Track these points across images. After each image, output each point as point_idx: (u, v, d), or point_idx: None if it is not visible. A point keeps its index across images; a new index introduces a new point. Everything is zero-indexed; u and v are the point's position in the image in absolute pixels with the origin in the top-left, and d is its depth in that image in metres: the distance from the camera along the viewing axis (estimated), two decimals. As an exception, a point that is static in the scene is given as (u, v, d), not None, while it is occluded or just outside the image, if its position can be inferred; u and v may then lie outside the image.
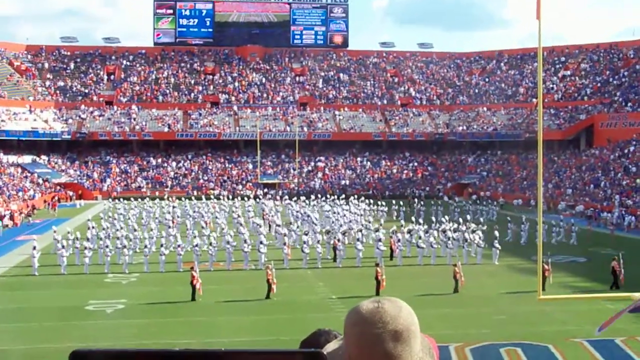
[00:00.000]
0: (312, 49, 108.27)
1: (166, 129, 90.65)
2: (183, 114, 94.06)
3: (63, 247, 37.78)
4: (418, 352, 2.02)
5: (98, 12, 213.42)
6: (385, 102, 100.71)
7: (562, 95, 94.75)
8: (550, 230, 48.52)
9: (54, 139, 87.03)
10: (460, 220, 49.97)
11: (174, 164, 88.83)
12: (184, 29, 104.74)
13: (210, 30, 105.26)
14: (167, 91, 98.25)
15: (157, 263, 36.97)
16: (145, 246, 39.02)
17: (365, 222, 51.90)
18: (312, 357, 1.79)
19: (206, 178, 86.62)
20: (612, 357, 22.28)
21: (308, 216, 53.68)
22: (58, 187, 79.83)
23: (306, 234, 42.10)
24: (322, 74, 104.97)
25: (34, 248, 37.02)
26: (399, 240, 41.16)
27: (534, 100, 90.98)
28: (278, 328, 25.46)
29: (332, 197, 69.23)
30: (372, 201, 65.76)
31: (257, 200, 71.08)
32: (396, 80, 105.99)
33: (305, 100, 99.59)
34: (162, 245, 38.41)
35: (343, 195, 70.58)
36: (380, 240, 39.74)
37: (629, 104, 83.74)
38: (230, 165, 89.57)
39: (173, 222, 52.36)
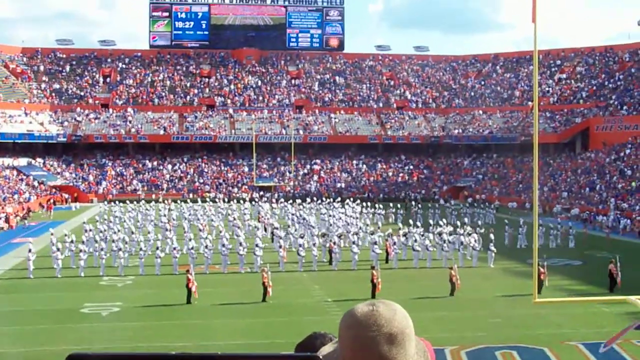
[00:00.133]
0: (308, 52, 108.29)
1: (162, 132, 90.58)
2: (179, 116, 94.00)
3: (58, 249, 37.71)
4: (413, 355, 2.03)
5: (94, 14, 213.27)
6: (381, 105, 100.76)
7: (557, 98, 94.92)
8: (548, 233, 48.58)
9: (50, 141, 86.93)
10: (458, 223, 49.97)
11: (169, 166, 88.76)
12: (180, 32, 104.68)
13: (206, 33, 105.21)
14: (163, 94, 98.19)
15: (152, 266, 36.93)
16: (141, 249, 38.96)
17: (364, 224, 51.88)
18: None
19: (202, 181, 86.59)
20: (608, 360, 22.29)
21: (304, 219, 53.68)
22: (54, 190, 79.69)
23: (302, 237, 42.09)
24: (318, 76, 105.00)
25: (30, 251, 36.97)
26: (394, 243, 41.17)
27: (530, 103, 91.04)
28: (274, 331, 25.44)
29: (328, 200, 69.19)
30: (369, 204, 65.81)
31: (253, 203, 71.07)
32: (392, 83, 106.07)
33: (301, 103, 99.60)
34: (157, 248, 38.35)
35: (339, 198, 70.55)
36: (376, 243, 39.77)
37: (625, 108, 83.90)
38: (226, 168, 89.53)
39: (169, 225, 52.28)
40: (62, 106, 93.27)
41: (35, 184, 78.77)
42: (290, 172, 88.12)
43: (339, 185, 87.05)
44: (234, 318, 27.80)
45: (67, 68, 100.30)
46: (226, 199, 72.92)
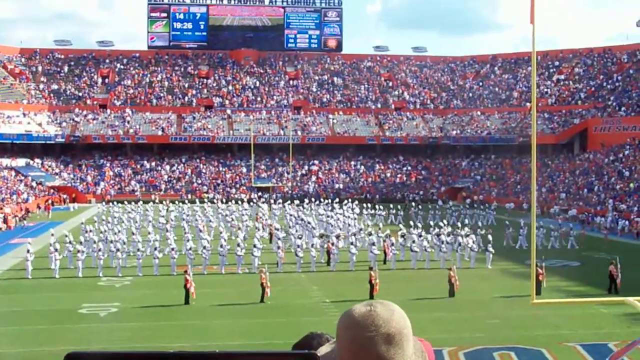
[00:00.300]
0: (306, 53, 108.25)
1: (160, 133, 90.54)
2: (177, 117, 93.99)
3: (56, 250, 37.71)
4: (411, 355, 2.03)
5: (92, 15, 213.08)
6: (379, 106, 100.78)
7: (556, 99, 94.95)
8: (549, 234, 48.61)
9: (48, 142, 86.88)
10: (459, 224, 49.91)
11: (167, 167, 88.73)
12: (178, 33, 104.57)
13: (204, 33, 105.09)
14: (161, 94, 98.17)
15: (150, 266, 36.91)
16: (138, 249, 38.95)
17: (365, 225, 51.88)
18: (306, 358, 1.80)
19: (200, 182, 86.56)
20: (606, 361, 22.30)
21: (302, 220, 53.66)
22: (52, 191, 79.67)
23: (300, 238, 42.10)
24: (316, 77, 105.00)
25: (28, 251, 36.95)
26: (392, 244, 41.19)
27: (528, 104, 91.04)
28: (272, 332, 25.46)
29: (326, 201, 69.12)
30: (369, 205, 65.86)
31: (251, 203, 71.02)
32: (390, 84, 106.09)
33: (299, 104, 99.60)
34: (156, 249, 38.34)
35: (337, 199, 70.47)
36: (374, 244, 39.76)
37: (623, 109, 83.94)
38: (224, 169, 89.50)
39: (168, 226, 52.18)
40: (60, 107, 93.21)
41: (34, 184, 78.75)
42: (288, 173, 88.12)
43: (337, 186, 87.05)
44: (232, 319, 27.81)
45: (65, 69, 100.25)
46: (224, 200, 72.90)
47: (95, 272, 36.92)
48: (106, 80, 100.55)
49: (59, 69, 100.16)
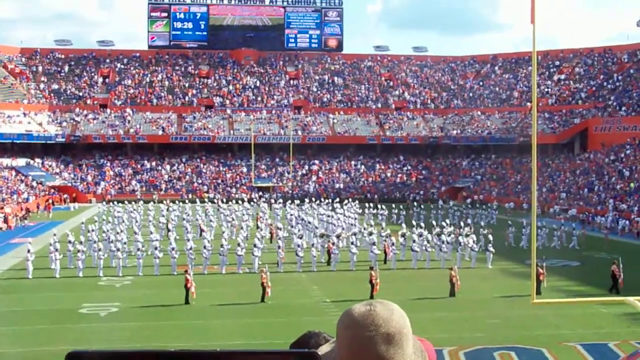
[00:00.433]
0: (307, 53, 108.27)
1: (160, 132, 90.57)
2: (177, 117, 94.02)
3: (56, 249, 37.70)
4: (410, 354, 2.02)
5: (92, 15, 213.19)
6: (379, 105, 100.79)
7: (556, 99, 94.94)
8: (551, 234, 48.60)
9: (48, 141, 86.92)
10: (462, 224, 49.86)
11: (168, 167, 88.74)
12: (179, 32, 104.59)
13: (205, 33, 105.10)
14: (162, 94, 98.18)
15: (151, 266, 36.90)
16: (138, 249, 38.94)
17: (367, 225, 51.81)
18: (307, 357, 1.80)
19: (200, 181, 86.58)
20: (606, 361, 22.30)
21: (302, 220, 53.64)
22: (52, 190, 79.68)
23: (300, 237, 42.09)
24: (317, 77, 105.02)
25: (29, 251, 36.92)
26: (392, 244, 41.17)
27: (528, 104, 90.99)
28: (272, 331, 25.43)
29: (327, 201, 69.06)
30: (371, 205, 65.84)
31: (252, 203, 70.97)
32: (390, 83, 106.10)
33: (300, 103, 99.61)
34: (156, 249, 38.32)
35: (337, 199, 70.43)
36: (374, 243, 39.74)
37: (623, 108, 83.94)
38: (224, 169, 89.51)
39: (170, 225, 52.18)
40: (61, 106, 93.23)
41: (34, 184, 78.75)
42: (288, 173, 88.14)
43: (337, 185, 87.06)
44: (232, 318, 27.79)
45: (66, 68, 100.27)
46: (225, 200, 72.89)
47: (95, 271, 36.89)
48: (106, 80, 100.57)
49: (59, 69, 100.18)
